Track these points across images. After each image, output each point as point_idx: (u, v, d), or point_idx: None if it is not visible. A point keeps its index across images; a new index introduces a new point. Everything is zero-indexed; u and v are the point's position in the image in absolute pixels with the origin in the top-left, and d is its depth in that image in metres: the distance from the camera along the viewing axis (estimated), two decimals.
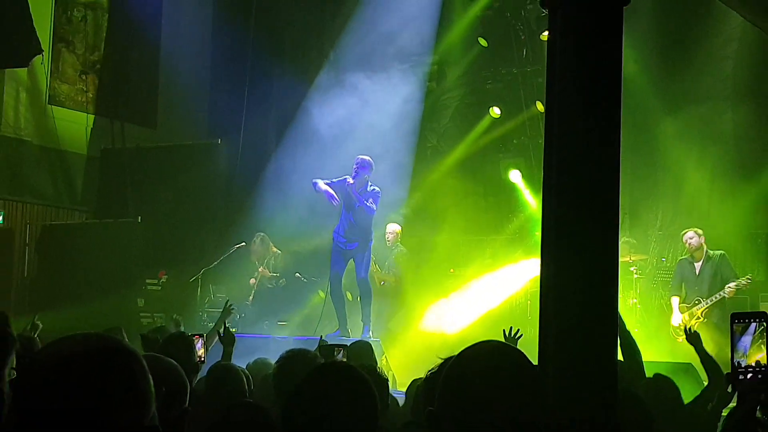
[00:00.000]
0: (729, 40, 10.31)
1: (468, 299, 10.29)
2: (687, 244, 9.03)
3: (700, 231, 9.04)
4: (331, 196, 9.00)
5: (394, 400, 4.95)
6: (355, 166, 9.10)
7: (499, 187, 11.68)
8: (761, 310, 9.12)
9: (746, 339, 2.09)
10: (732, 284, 8.76)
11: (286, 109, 12.85)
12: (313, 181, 9.19)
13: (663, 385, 4.60)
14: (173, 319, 8.10)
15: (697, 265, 8.99)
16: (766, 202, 10.07)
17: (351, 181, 8.91)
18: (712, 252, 9.09)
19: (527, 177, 10.95)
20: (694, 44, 10.50)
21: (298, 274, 10.43)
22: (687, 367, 7.32)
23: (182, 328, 6.62)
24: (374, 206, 9.10)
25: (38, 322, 6.54)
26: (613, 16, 2.81)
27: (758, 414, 2.14)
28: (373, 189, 9.24)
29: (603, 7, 2.82)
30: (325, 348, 5.36)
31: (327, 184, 9.00)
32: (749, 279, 8.92)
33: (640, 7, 9.30)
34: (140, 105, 14.59)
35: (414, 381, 4.79)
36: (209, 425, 3.13)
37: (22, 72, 12.55)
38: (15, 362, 2.00)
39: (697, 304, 8.90)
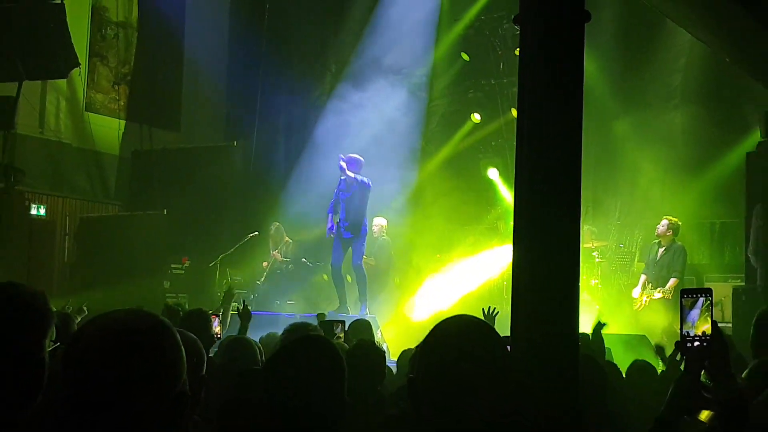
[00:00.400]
0: (679, 54, 10.99)
1: (452, 281, 10.83)
2: (661, 228, 9.64)
3: (674, 220, 9.61)
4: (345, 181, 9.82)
5: (389, 369, 5.14)
6: (344, 163, 9.81)
7: (479, 183, 12.24)
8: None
9: (694, 312, 2.11)
10: (662, 289, 9.47)
11: (293, 115, 13.50)
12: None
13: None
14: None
15: (660, 251, 9.60)
16: (711, 195, 10.73)
17: (343, 176, 9.66)
18: (677, 243, 9.70)
19: (504, 174, 11.58)
20: (649, 56, 11.18)
21: (304, 259, 11.14)
22: (641, 339, 8.24)
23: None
24: (366, 180, 9.74)
25: (85, 308, 6.87)
26: (576, 32, 2.99)
27: (703, 378, 2.18)
28: (363, 179, 9.85)
29: (566, 24, 2.99)
30: (325, 323, 5.64)
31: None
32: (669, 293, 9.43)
33: (603, 19, 9.89)
34: (165, 111, 15.33)
35: (404, 352, 5.12)
36: (226, 391, 3.20)
37: (62, 83, 13.24)
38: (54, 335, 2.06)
39: (652, 289, 9.53)
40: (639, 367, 4.89)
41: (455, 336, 1.71)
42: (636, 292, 9.45)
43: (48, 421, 1.78)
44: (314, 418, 1.99)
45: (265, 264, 11.52)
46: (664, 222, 9.51)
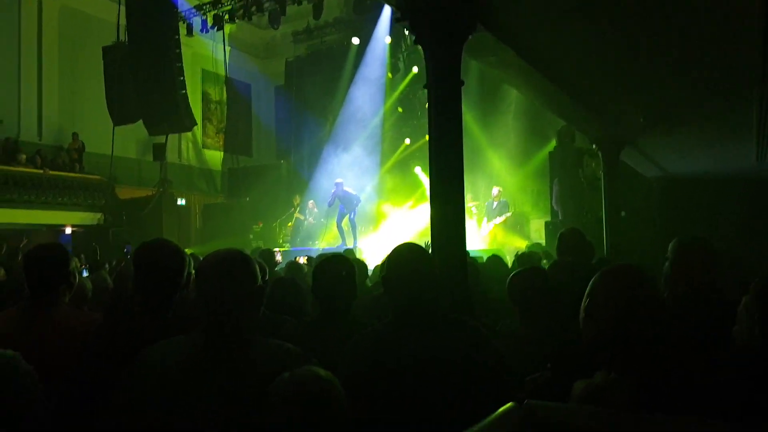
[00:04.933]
0: (512, 98, 14.04)
1: (400, 227, 13.86)
2: (494, 193, 12.69)
3: (500, 188, 12.81)
4: (331, 203, 12.92)
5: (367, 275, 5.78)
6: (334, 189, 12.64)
7: (410, 176, 15.04)
8: (528, 226, 13.72)
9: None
10: (502, 216, 12.54)
11: (311, 145, 16.75)
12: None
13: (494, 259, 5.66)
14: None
15: (495, 203, 12.86)
16: (531, 174, 14.23)
17: (333, 189, 12.82)
18: (503, 199, 12.81)
19: (424, 170, 13.65)
20: (495, 99, 14.04)
21: (323, 220, 14.60)
22: (498, 251, 10.19)
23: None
24: (354, 193, 12.59)
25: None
26: (456, 92, 3.94)
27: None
28: (347, 191, 12.71)
29: (452, 88, 3.88)
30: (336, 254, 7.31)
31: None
32: (508, 215, 12.69)
33: (469, 83, 12.42)
34: (243, 145, 18.98)
35: (376, 266, 5.78)
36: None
37: (189, 134, 17.06)
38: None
39: (491, 221, 12.74)
40: (495, 259, 5.65)
41: (407, 251, 2.18)
42: (485, 228, 13.29)
43: (187, 313, 2.18)
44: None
45: (289, 225, 14.75)
46: (495, 189, 13.02)
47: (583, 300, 1.80)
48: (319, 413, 1.36)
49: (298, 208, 14.72)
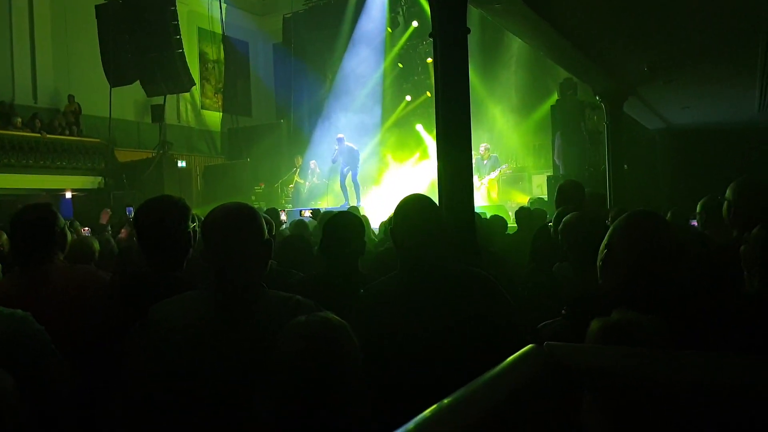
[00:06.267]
0: (514, 48, 14.06)
1: (402, 184, 13.60)
2: (481, 150, 12.61)
3: (487, 145, 12.73)
4: (335, 159, 12.95)
5: (372, 230, 6.26)
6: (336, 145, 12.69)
7: (412, 133, 15.21)
8: (530, 181, 13.57)
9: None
10: (496, 171, 12.49)
11: (311, 103, 16.60)
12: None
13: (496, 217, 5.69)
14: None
15: (485, 161, 12.78)
16: (533, 128, 14.27)
17: (336, 147, 12.90)
18: (494, 154, 12.79)
19: (426, 128, 14.58)
20: (497, 55, 14.16)
21: (325, 180, 14.80)
22: (500, 207, 11.30)
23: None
24: (354, 147, 12.71)
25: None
26: (463, 41, 3.91)
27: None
28: (349, 146, 12.82)
29: (458, 36, 3.83)
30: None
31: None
32: (503, 167, 12.59)
33: (472, 30, 11.82)
34: (243, 105, 18.84)
35: (381, 223, 5.87)
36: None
37: (187, 95, 16.88)
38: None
39: (484, 178, 12.54)
40: (496, 217, 5.72)
41: (414, 202, 2.14)
42: (477, 182, 12.47)
43: (197, 270, 2.14)
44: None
45: (290, 186, 14.79)
46: (483, 145, 12.72)
47: (601, 248, 1.81)
48: (331, 353, 1.37)
49: (298, 171, 14.66)
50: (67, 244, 2.57)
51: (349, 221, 2.73)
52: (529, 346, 1.00)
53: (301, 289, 2.48)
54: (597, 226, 2.71)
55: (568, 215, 2.92)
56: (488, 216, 5.77)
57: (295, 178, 14.69)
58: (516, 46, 13.77)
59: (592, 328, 1.33)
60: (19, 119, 14.03)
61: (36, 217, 2.46)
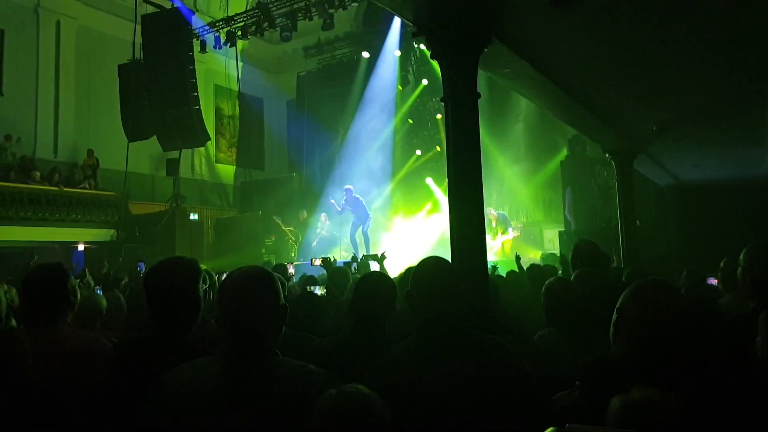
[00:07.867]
0: (520, 111, 14.47)
1: (413, 237, 14.09)
2: (489, 215, 12.49)
3: (493, 209, 12.72)
4: (343, 210, 12.86)
5: None
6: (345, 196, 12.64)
7: (422, 187, 15.45)
8: (542, 236, 13.48)
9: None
10: (510, 231, 12.62)
11: (323, 158, 16.90)
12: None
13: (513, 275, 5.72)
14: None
15: (493, 223, 12.84)
16: (543, 184, 14.35)
17: (343, 201, 12.85)
18: (500, 213, 13.00)
19: (436, 181, 15.01)
20: (505, 111, 14.25)
21: (335, 232, 14.49)
22: (512, 262, 10.67)
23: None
24: (360, 199, 12.81)
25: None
26: (473, 104, 3.90)
27: None
28: (356, 197, 12.80)
29: (468, 101, 3.87)
30: (355, 263, 7.40)
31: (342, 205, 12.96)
32: (518, 227, 12.72)
33: (481, 90, 12.50)
34: (256, 158, 19.10)
35: (393, 278, 5.15)
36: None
37: (202, 149, 17.06)
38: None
39: (497, 239, 12.82)
40: (514, 274, 5.92)
41: (432, 265, 2.15)
42: (498, 241, 13.12)
43: (207, 333, 2.18)
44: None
45: (319, 230, 14.55)
46: (489, 211, 12.49)
47: (614, 315, 1.82)
48: (365, 427, 1.35)
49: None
50: (77, 303, 2.55)
51: (382, 285, 2.71)
52: (550, 429, 0.99)
53: (329, 351, 2.51)
54: (585, 290, 2.70)
55: (550, 279, 2.93)
56: (503, 274, 5.71)
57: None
58: (524, 103, 13.82)
59: (613, 407, 1.31)
60: (38, 173, 14.27)
61: (48, 278, 2.45)
